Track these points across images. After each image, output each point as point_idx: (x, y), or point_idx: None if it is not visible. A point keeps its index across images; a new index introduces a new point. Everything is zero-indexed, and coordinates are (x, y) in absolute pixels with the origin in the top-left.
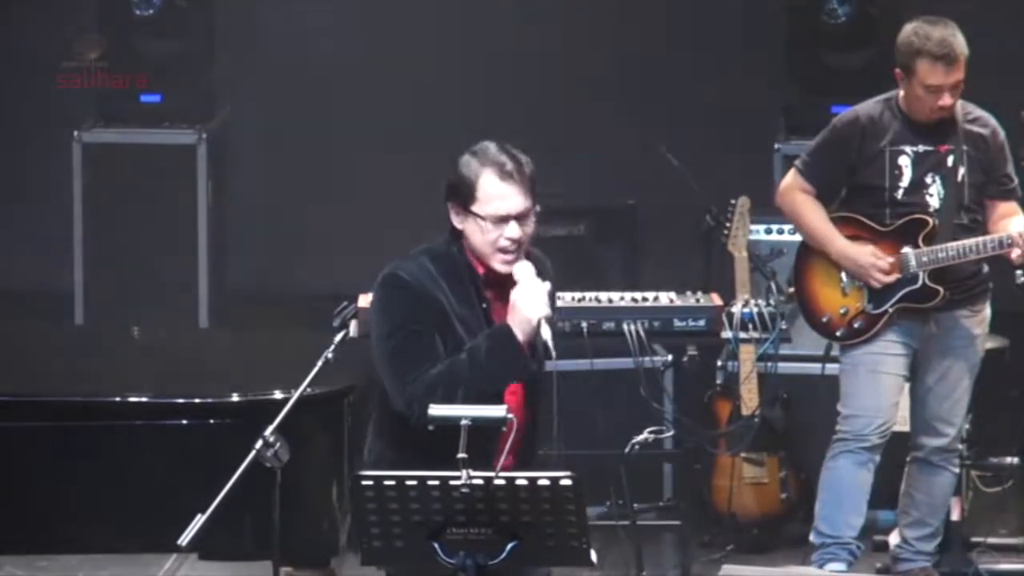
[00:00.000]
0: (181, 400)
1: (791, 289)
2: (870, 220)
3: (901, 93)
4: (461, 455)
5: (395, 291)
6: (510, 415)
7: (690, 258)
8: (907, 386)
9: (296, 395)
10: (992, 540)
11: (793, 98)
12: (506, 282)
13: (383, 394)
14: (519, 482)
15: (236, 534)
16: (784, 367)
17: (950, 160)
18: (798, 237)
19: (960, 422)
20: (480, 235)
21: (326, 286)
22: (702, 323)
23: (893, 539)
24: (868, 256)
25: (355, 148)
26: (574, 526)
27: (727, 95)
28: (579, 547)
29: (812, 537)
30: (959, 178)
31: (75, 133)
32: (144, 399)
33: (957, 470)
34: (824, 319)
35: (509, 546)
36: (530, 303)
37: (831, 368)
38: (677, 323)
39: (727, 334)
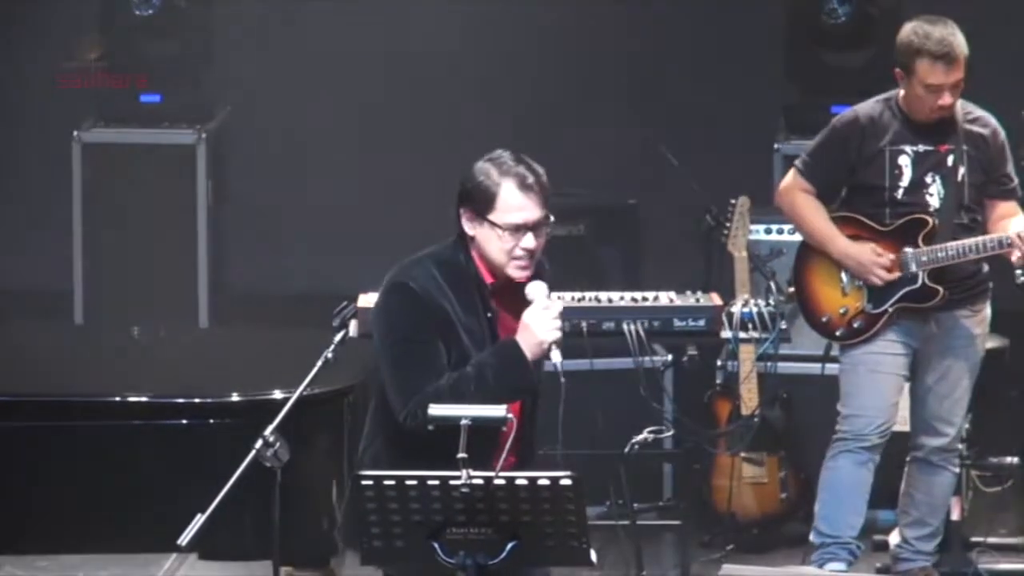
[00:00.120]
0: (181, 400)
1: (791, 289)
2: (870, 220)
3: (901, 93)
4: (461, 455)
5: (402, 300)
6: (510, 415)
7: (690, 258)
8: (907, 386)
9: (296, 395)
10: (992, 540)
11: (793, 98)
12: (513, 293)
13: (381, 393)
14: (519, 482)
15: (236, 534)
16: (784, 367)
17: (950, 160)
18: (798, 237)
19: (960, 422)
20: (495, 243)
21: (326, 286)
22: (702, 323)
23: (893, 539)
24: (869, 254)
25: (355, 148)
26: (574, 526)
27: (727, 95)
28: (579, 547)
29: (812, 537)
30: (959, 178)
31: (75, 133)
32: (144, 399)
33: (957, 470)
34: (824, 319)
35: (509, 546)
36: (543, 325)
37: (831, 368)
38: (677, 323)
39: (727, 334)
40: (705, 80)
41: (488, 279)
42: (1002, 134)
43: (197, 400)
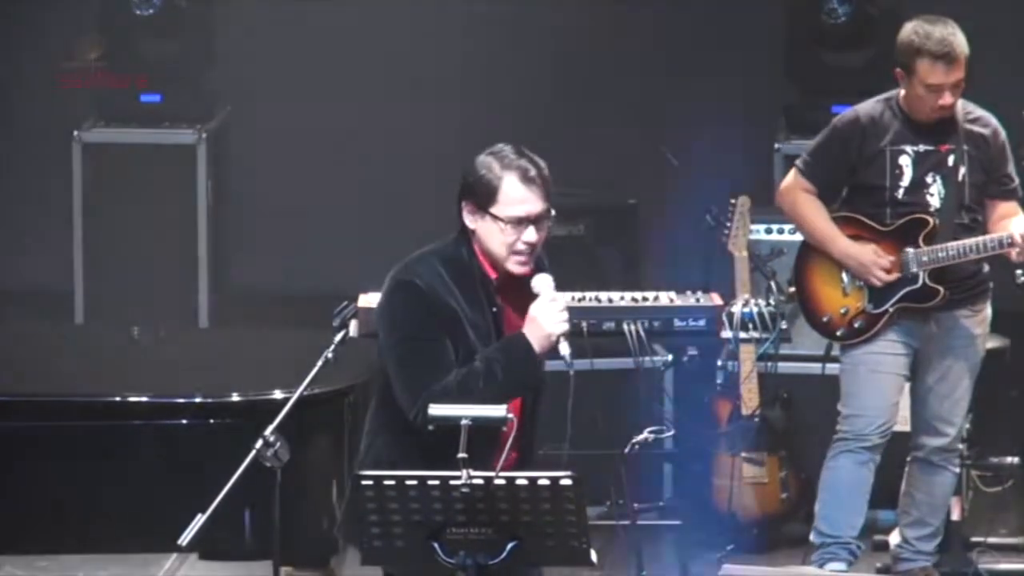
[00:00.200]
0: (181, 400)
1: (791, 289)
2: (871, 220)
3: (901, 93)
4: (461, 455)
5: (408, 298)
6: (510, 415)
7: (690, 258)
8: (907, 386)
9: (296, 395)
10: (992, 540)
11: (793, 98)
12: (518, 287)
13: (382, 393)
14: (519, 482)
15: (236, 534)
16: (784, 367)
17: (951, 160)
18: (798, 237)
19: (960, 422)
20: (497, 236)
21: (326, 286)
22: (702, 323)
23: (893, 539)
24: (870, 255)
25: (355, 148)
26: (574, 526)
27: (727, 95)
28: (579, 547)
29: (812, 537)
30: (960, 178)
31: (75, 133)
32: (144, 399)
33: (957, 470)
34: (824, 319)
35: (509, 546)
36: (550, 318)
37: (831, 368)
38: (677, 323)
39: (727, 334)
40: (705, 80)
41: (492, 274)
42: (1002, 134)
43: (197, 400)
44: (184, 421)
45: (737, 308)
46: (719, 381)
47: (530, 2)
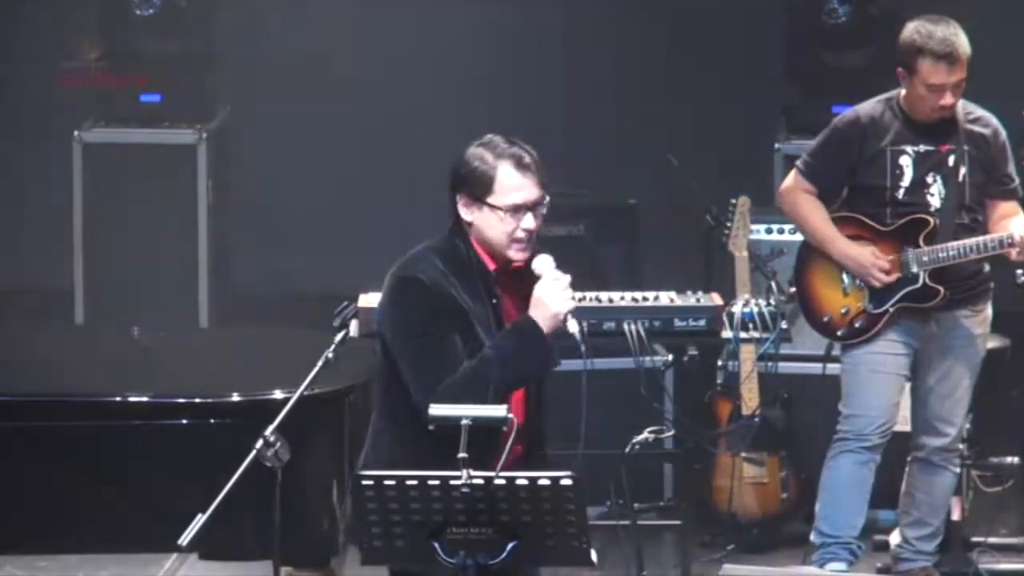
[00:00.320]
0: (181, 400)
1: (792, 289)
2: (871, 220)
3: (902, 92)
4: (462, 455)
5: (414, 295)
6: (511, 415)
7: (690, 258)
8: (908, 386)
9: (296, 395)
10: (992, 540)
11: (793, 98)
12: (515, 278)
13: (387, 394)
14: (519, 482)
15: (236, 534)
16: (784, 367)
17: (951, 160)
18: (798, 237)
19: (961, 422)
20: (496, 226)
21: (326, 286)
22: (702, 323)
23: (894, 539)
24: (869, 256)
25: (355, 148)
26: (574, 526)
27: (727, 95)
28: (579, 547)
29: (813, 537)
30: (960, 178)
31: (75, 133)
32: (144, 399)
33: (958, 470)
34: (825, 319)
35: (509, 546)
36: (556, 297)
37: (832, 368)
38: (677, 323)
39: (727, 334)
40: (705, 80)
41: (491, 265)
42: (1003, 134)
43: (197, 400)
44: (184, 421)
45: (737, 308)
46: (719, 381)
47: (530, 2)
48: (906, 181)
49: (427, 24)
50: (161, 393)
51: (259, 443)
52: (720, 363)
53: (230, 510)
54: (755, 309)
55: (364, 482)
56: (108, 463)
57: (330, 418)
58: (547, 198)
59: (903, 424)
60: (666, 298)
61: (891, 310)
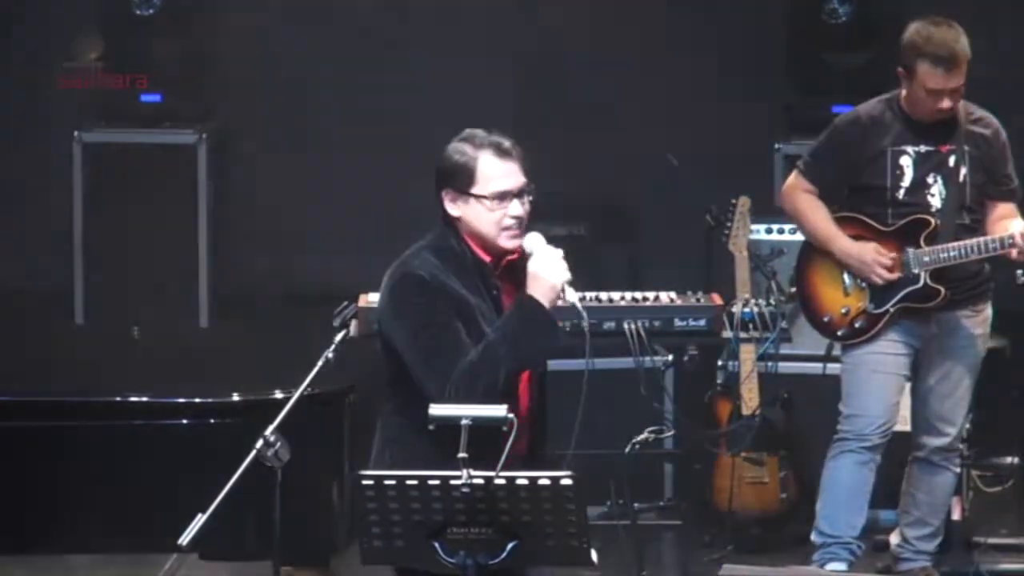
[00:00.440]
0: (181, 400)
1: (792, 289)
2: (872, 220)
3: (903, 92)
4: (462, 455)
5: (414, 289)
6: (510, 415)
7: (690, 258)
8: (908, 386)
9: (296, 395)
10: (993, 540)
11: (793, 98)
12: (510, 271)
13: (397, 396)
14: (519, 482)
15: (236, 534)
16: (785, 367)
17: (952, 160)
18: (798, 237)
19: (961, 422)
20: (484, 216)
21: (326, 286)
22: (702, 323)
23: (894, 539)
24: (871, 253)
25: (355, 148)
26: (574, 526)
27: (727, 95)
28: (579, 547)
29: (813, 536)
30: (961, 178)
31: (75, 133)
32: (144, 399)
33: (958, 470)
34: (825, 318)
35: (509, 546)
36: (550, 269)
37: (832, 368)
38: (677, 323)
39: (728, 334)
40: (705, 80)
41: (485, 258)
42: (1004, 134)
43: (197, 400)
44: (184, 421)
45: (737, 308)
46: (719, 381)
47: (531, 2)
48: (907, 181)
49: (427, 24)
50: (161, 393)
51: (259, 443)
52: (720, 363)
53: (230, 510)
54: (755, 309)
55: (364, 482)
56: (108, 463)
57: (330, 418)
58: (533, 186)
59: (903, 424)
60: (666, 298)
61: (892, 310)
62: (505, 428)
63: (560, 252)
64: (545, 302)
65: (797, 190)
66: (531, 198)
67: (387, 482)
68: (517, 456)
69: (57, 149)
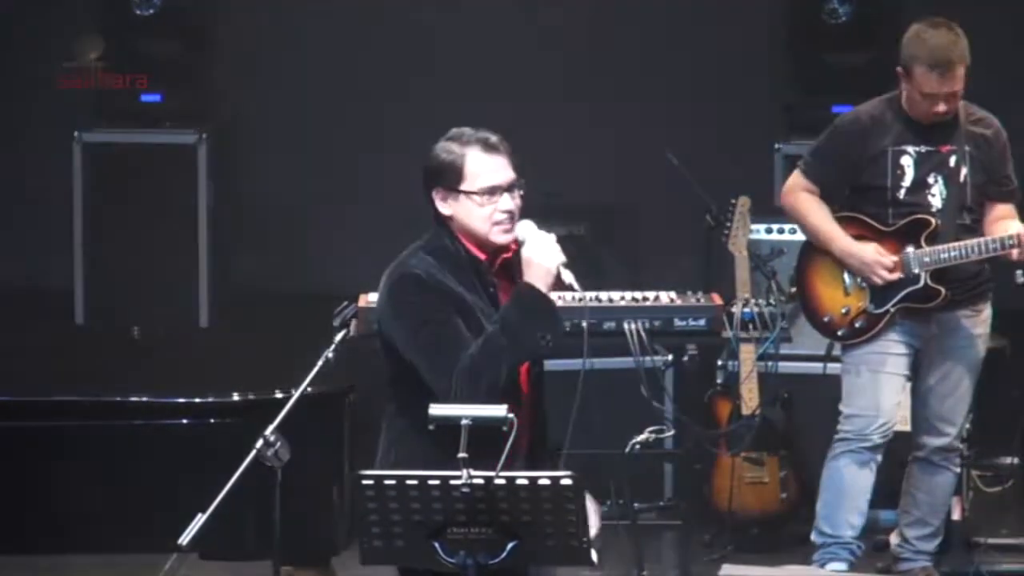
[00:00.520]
0: (181, 400)
1: (792, 289)
2: (873, 220)
3: (904, 92)
4: (462, 455)
5: (411, 288)
6: (511, 415)
7: (690, 258)
8: (908, 385)
9: (296, 395)
10: (993, 540)
11: (793, 98)
12: (505, 269)
13: (400, 397)
14: (519, 482)
15: (236, 534)
16: (785, 367)
17: (952, 160)
18: (798, 237)
19: (961, 421)
20: (475, 212)
21: (326, 286)
22: (702, 323)
23: (894, 539)
24: (872, 253)
25: (356, 148)
26: (574, 526)
27: (727, 95)
28: (579, 547)
29: (813, 536)
30: (961, 179)
31: (75, 133)
32: (144, 399)
33: (958, 469)
34: (826, 318)
35: (509, 546)
36: (544, 254)
37: (832, 368)
38: (677, 322)
39: (728, 334)
40: (705, 80)
41: (481, 255)
42: (1004, 135)
43: (197, 400)
44: (184, 421)
45: (737, 308)
46: (719, 381)
47: (530, 3)
48: (907, 181)
49: (427, 24)
50: (161, 393)
51: (259, 443)
52: (720, 363)
53: (230, 510)
54: (755, 309)
55: (364, 482)
56: (108, 463)
57: (330, 418)
58: (523, 180)
59: (903, 424)
60: (666, 298)
61: (892, 310)
62: (505, 428)
63: (553, 236)
64: (542, 287)
65: (798, 190)
66: (522, 192)
67: (387, 482)
68: (519, 456)
69: (57, 149)
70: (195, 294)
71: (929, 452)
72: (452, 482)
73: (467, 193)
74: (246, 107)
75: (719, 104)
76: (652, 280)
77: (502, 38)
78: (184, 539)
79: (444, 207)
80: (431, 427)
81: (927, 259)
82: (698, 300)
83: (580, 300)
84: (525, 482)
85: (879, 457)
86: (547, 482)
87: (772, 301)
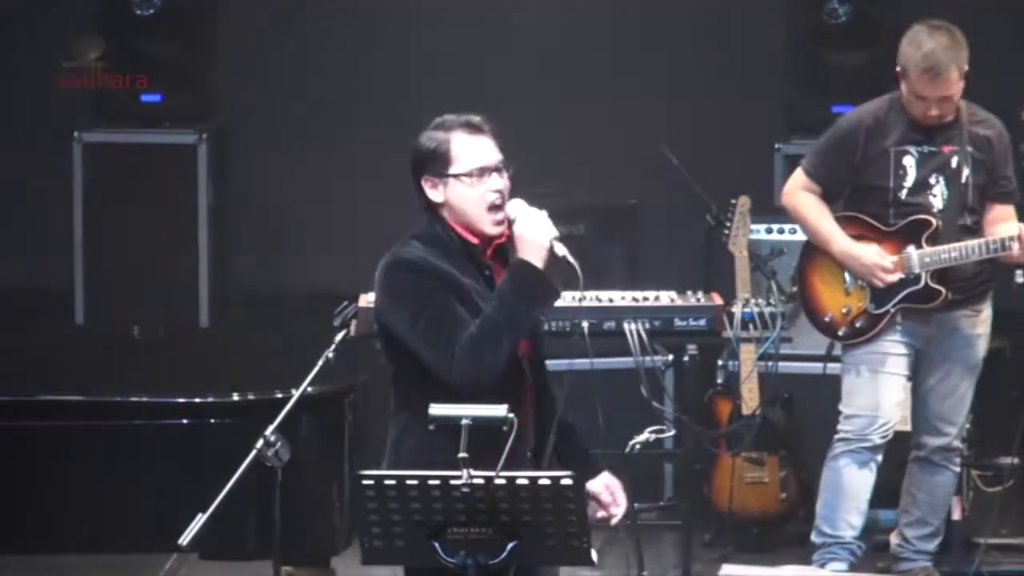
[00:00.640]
0: (181, 400)
1: (793, 289)
2: (874, 220)
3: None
4: (462, 455)
5: (405, 274)
6: (511, 415)
7: (690, 258)
8: (908, 385)
9: (296, 395)
10: (993, 540)
11: (794, 98)
12: (498, 253)
13: (401, 394)
14: (520, 482)
15: (237, 534)
16: (785, 366)
17: (954, 161)
18: (798, 237)
19: (961, 421)
20: (467, 194)
21: (326, 286)
22: (703, 323)
23: (894, 539)
24: (872, 255)
25: (355, 148)
26: (575, 526)
27: (727, 95)
28: (579, 547)
29: (813, 536)
30: (963, 179)
31: (75, 133)
32: (144, 399)
33: (958, 469)
34: (826, 318)
35: (509, 546)
36: (536, 230)
37: (832, 368)
38: (678, 322)
39: (728, 333)
40: (705, 80)
41: (474, 240)
42: (1007, 137)
43: (197, 400)
44: (184, 421)
45: (737, 308)
46: (719, 381)
47: (530, 3)
48: (909, 181)
49: (427, 24)
50: (161, 393)
51: (259, 443)
52: (720, 363)
53: (230, 510)
54: (755, 309)
55: (364, 482)
56: (108, 463)
57: (330, 418)
58: (510, 162)
59: (903, 424)
60: (666, 298)
61: (892, 310)
62: (505, 428)
63: (544, 212)
64: (537, 262)
65: (799, 189)
66: (510, 172)
67: (387, 482)
68: (519, 455)
69: (57, 149)
70: (195, 294)
71: (929, 452)
72: (452, 482)
73: (456, 176)
74: (246, 107)
75: (719, 104)
76: (652, 280)
77: (502, 38)
78: (184, 539)
79: (435, 194)
80: (431, 427)
81: (928, 259)
82: (698, 300)
83: (579, 299)
84: (525, 482)
85: (879, 457)
86: (547, 482)
87: (772, 301)
